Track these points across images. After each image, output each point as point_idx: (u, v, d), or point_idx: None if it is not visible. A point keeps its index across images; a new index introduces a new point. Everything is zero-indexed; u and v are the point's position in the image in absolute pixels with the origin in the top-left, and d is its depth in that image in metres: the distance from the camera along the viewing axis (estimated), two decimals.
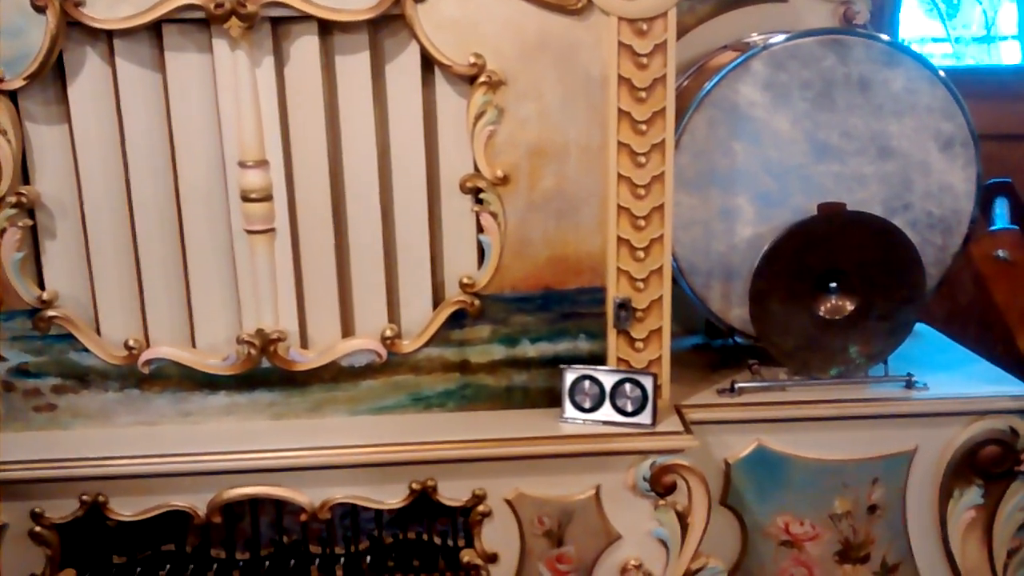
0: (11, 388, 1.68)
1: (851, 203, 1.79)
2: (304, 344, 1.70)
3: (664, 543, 1.68)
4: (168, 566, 1.72)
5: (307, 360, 1.69)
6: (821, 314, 1.78)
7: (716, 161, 1.78)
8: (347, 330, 1.71)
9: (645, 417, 1.66)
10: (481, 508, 1.65)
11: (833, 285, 1.78)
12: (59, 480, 1.60)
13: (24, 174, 1.60)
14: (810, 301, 1.78)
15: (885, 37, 1.82)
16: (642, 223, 1.66)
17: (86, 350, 1.67)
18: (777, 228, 1.77)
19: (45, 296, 1.64)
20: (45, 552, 1.64)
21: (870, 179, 1.82)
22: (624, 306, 1.69)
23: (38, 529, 1.62)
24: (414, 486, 1.63)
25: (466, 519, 1.68)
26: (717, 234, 1.81)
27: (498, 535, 1.67)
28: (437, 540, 1.74)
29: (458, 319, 1.70)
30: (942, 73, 1.80)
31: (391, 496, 1.64)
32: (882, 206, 1.82)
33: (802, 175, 1.80)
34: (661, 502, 1.66)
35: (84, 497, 1.61)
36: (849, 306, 1.78)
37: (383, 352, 1.70)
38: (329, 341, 1.70)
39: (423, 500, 1.65)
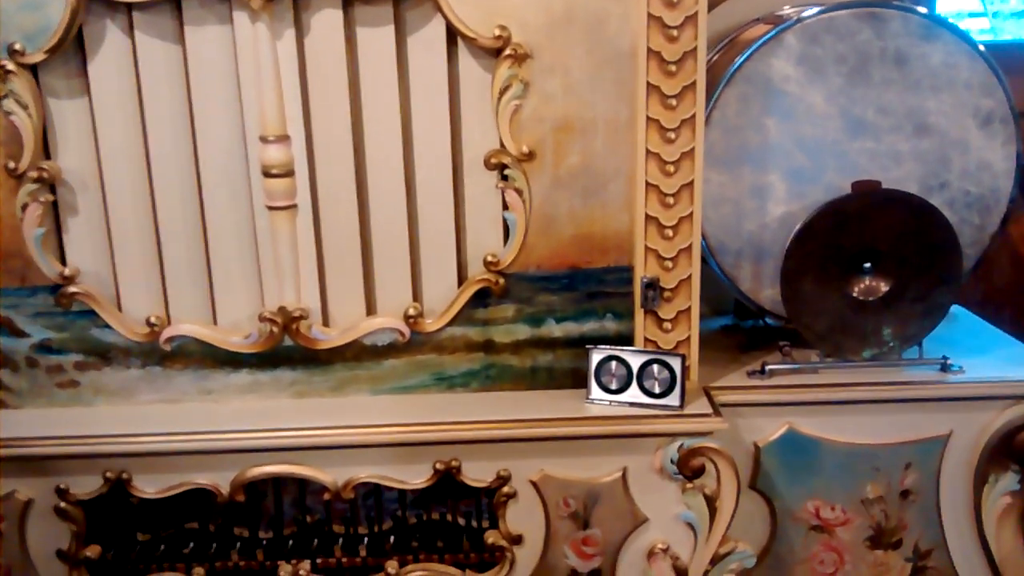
0: (34, 364, 1.68)
1: (886, 181, 1.75)
2: (326, 322, 1.69)
3: (692, 527, 1.66)
4: (192, 544, 1.72)
5: (329, 338, 1.68)
6: (854, 295, 1.75)
7: (747, 137, 1.74)
8: (370, 308, 1.69)
9: (673, 399, 1.64)
10: (506, 489, 1.64)
11: (867, 265, 1.75)
12: (83, 456, 1.61)
13: (45, 149, 1.59)
14: (843, 282, 1.75)
15: (923, 10, 1.77)
16: (671, 200, 1.62)
17: (108, 327, 1.67)
18: (810, 206, 1.74)
19: (67, 272, 1.64)
20: (70, 528, 1.64)
21: (906, 157, 1.77)
22: (652, 286, 1.66)
23: (63, 505, 1.63)
24: (438, 466, 1.62)
25: (490, 500, 1.66)
26: (748, 212, 1.77)
27: (523, 517, 1.66)
28: (461, 521, 1.73)
29: (482, 298, 1.68)
30: (982, 47, 1.76)
31: (415, 476, 1.63)
32: (918, 184, 1.78)
33: (836, 152, 1.76)
34: (689, 485, 1.63)
35: (108, 474, 1.61)
36: (883, 287, 1.75)
37: (406, 331, 1.68)
38: (352, 319, 1.69)
39: (447, 480, 1.64)
